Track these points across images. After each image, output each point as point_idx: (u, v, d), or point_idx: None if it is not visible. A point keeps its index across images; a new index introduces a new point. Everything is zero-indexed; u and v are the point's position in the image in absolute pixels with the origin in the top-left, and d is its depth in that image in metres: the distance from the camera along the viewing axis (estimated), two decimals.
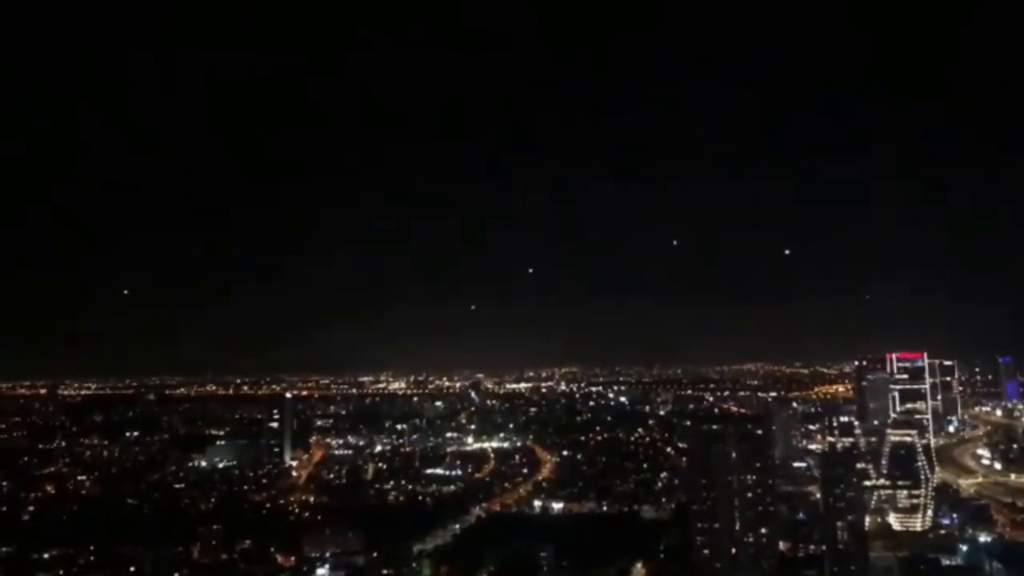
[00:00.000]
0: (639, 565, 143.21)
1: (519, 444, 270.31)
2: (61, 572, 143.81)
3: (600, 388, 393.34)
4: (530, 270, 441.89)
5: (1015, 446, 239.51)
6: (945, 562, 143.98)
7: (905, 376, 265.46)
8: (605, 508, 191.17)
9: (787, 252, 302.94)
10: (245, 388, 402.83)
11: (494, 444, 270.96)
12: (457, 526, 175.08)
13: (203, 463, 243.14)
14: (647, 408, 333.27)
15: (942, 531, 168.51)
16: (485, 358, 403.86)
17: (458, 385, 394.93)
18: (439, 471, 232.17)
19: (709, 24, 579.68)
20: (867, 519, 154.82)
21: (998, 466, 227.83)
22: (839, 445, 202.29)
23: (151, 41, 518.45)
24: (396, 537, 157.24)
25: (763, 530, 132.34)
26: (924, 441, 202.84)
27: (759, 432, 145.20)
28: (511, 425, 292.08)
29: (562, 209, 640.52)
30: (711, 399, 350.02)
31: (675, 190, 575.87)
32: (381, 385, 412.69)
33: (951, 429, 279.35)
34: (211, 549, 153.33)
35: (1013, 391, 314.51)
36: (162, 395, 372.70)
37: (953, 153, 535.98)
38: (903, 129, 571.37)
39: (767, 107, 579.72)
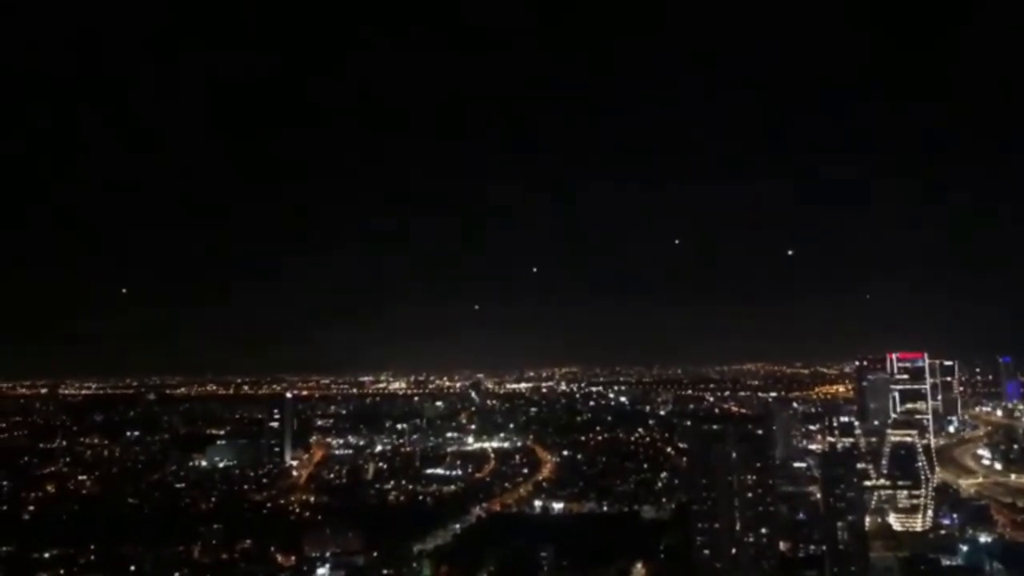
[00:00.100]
0: (639, 565, 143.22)
1: (519, 444, 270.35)
2: (62, 571, 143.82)
3: (600, 388, 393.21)
4: (534, 269, 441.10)
5: (1015, 446, 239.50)
6: (945, 562, 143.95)
7: (905, 376, 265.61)
8: (605, 508, 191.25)
9: (790, 253, 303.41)
10: (245, 388, 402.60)
11: (494, 444, 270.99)
12: (457, 526, 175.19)
13: (203, 463, 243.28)
14: (647, 408, 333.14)
15: (942, 531, 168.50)
16: (485, 358, 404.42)
17: (458, 385, 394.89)
18: (439, 471, 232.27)
19: (709, 24, 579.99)
20: (867, 519, 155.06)
21: (998, 466, 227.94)
22: (839, 445, 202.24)
23: (151, 41, 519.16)
24: (396, 537, 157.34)
25: (763, 530, 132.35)
26: (924, 441, 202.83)
27: (759, 432, 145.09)
28: (511, 425, 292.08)
29: (562, 209, 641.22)
30: (711, 399, 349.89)
31: (675, 190, 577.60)
32: (381, 385, 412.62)
33: (951, 429, 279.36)
34: (211, 549, 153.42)
35: (1013, 391, 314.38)
36: (162, 395, 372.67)
37: (953, 153, 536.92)
38: (903, 129, 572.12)
39: (767, 107, 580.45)
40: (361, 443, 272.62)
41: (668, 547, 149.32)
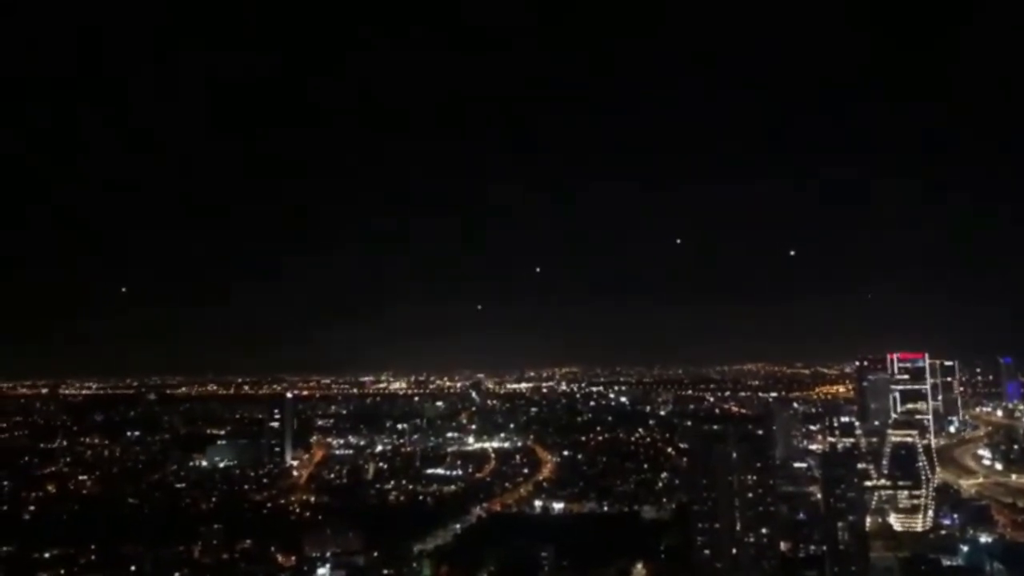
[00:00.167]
0: (639, 565, 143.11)
1: (520, 444, 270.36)
2: (62, 571, 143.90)
3: (601, 388, 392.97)
4: (537, 269, 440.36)
5: (1016, 447, 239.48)
6: (946, 563, 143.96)
7: (906, 376, 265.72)
8: (606, 508, 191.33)
9: (792, 253, 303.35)
10: (246, 388, 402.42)
11: (495, 444, 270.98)
12: (458, 526, 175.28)
13: (204, 463, 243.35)
14: (648, 408, 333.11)
15: (943, 532, 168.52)
16: (486, 358, 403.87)
17: (459, 385, 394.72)
18: (440, 471, 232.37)
19: (709, 24, 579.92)
20: (868, 519, 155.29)
21: (999, 467, 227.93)
22: (840, 445, 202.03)
23: (151, 41, 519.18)
24: (397, 537, 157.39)
25: (764, 530, 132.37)
26: (925, 441, 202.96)
27: (760, 432, 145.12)
28: (512, 425, 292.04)
29: (562, 209, 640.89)
30: (712, 399, 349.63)
31: (675, 190, 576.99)
32: (382, 385, 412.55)
33: (952, 429, 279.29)
34: (212, 549, 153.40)
35: (1014, 391, 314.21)
36: (163, 395, 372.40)
37: (953, 153, 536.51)
38: (903, 129, 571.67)
39: (767, 107, 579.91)
40: (361, 443, 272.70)
41: (668, 547, 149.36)
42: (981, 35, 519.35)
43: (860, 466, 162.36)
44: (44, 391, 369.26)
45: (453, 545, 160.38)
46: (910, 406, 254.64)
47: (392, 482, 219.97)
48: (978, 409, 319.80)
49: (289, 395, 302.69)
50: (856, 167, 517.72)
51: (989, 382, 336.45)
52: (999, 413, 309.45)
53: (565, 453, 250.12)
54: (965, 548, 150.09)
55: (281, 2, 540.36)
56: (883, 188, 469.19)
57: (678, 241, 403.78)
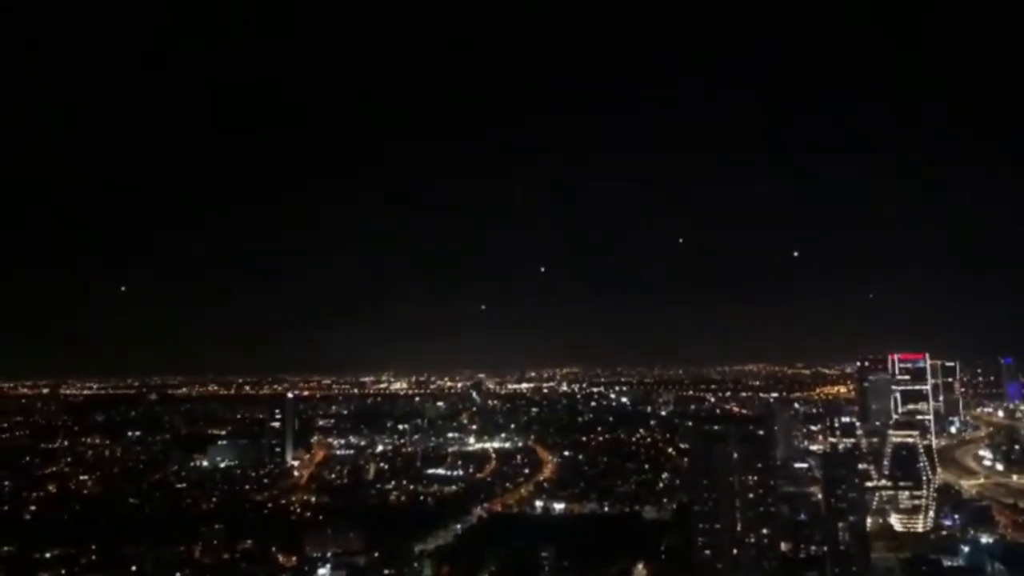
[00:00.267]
0: (640, 566, 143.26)
1: (520, 444, 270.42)
2: (63, 571, 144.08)
3: (602, 388, 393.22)
4: (542, 269, 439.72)
5: (1017, 447, 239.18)
6: (947, 563, 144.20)
7: (907, 377, 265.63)
8: (606, 508, 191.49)
9: (796, 254, 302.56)
10: (247, 388, 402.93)
11: (495, 444, 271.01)
12: (458, 526, 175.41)
13: (205, 463, 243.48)
14: (648, 409, 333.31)
15: (944, 532, 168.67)
16: (486, 358, 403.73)
17: (460, 385, 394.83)
18: (440, 471, 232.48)
19: (709, 24, 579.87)
20: (869, 520, 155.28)
21: (1000, 467, 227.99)
22: (841, 446, 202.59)
23: (151, 40, 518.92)
24: (397, 537, 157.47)
25: (764, 531, 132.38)
26: (926, 442, 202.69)
27: (761, 433, 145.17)
28: (512, 425, 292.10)
29: (562, 209, 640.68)
30: (712, 400, 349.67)
31: (675, 190, 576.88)
32: (383, 385, 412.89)
33: (953, 430, 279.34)
34: (213, 549, 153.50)
35: (1015, 392, 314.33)
36: (164, 395, 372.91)
37: (953, 153, 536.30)
38: (903, 129, 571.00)
39: (767, 107, 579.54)
40: (362, 443, 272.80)
41: (669, 547, 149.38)
42: (981, 35, 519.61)
43: (861, 467, 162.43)
44: (45, 391, 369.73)
45: (454, 545, 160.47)
46: (911, 407, 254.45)
47: (393, 482, 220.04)
48: (979, 410, 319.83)
49: (290, 395, 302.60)
50: (856, 167, 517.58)
51: (990, 382, 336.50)
52: (1000, 414, 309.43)
53: (566, 453, 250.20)
54: (966, 549, 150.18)
55: (281, 2, 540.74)
56: (883, 188, 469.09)
57: (680, 240, 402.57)
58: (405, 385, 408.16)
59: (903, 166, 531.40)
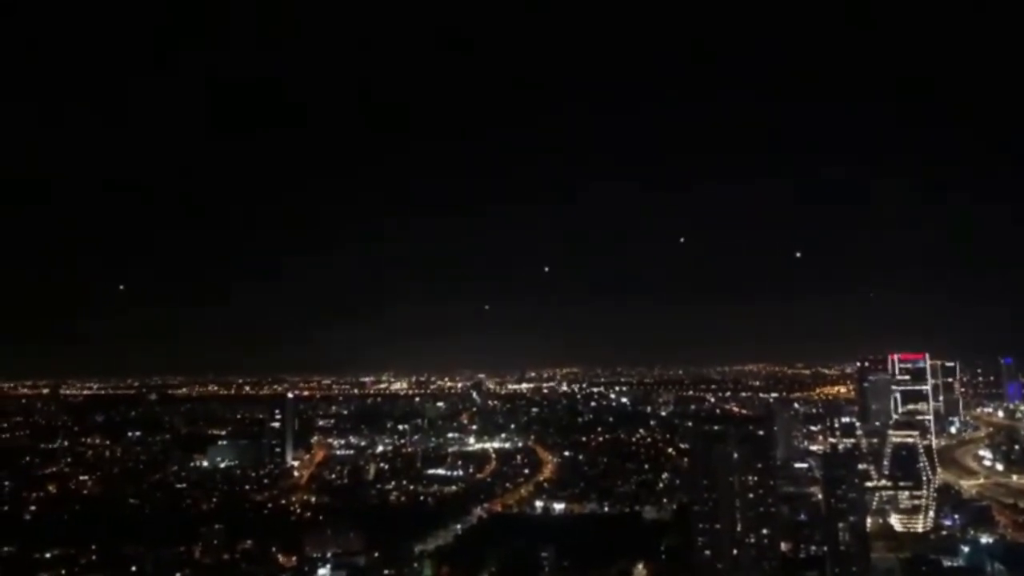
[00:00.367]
0: (640, 566, 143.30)
1: (520, 444, 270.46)
2: (63, 572, 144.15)
3: (602, 389, 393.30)
4: (546, 268, 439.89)
5: (1017, 447, 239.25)
6: (947, 563, 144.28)
7: (907, 377, 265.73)
8: (606, 509, 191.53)
9: (798, 255, 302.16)
10: (247, 388, 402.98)
11: (496, 444, 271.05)
12: (459, 526, 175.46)
13: (205, 463, 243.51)
14: (648, 409, 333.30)
15: (944, 532, 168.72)
16: (486, 358, 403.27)
17: (460, 385, 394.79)
18: (441, 471, 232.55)
19: (709, 23, 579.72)
20: (869, 520, 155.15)
21: (1000, 467, 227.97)
22: (841, 446, 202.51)
23: (151, 40, 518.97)
24: (397, 537, 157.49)
25: (764, 531, 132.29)
26: (926, 442, 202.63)
27: (761, 433, 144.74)
28: (513, 426, 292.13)
29: (562, 209, 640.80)
30: (713, 400, 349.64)
31: (675, 190, 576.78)
32: (383, 385, 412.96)
33: (953, 430, 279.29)
34: (213, 549, 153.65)
35: (1015, 392, 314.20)
36: (164, 395, 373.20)
37: (953, 153, 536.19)
38: (903, 129, 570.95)
39: (767, 107, 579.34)
40: (362, 443, 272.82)
41: (669, 548, 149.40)
42: (982, 35, 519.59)
43: (861, 467, 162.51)
44: (45, 391, 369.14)
45: (454, 545, 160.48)
46: (911, 407, 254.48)
47: (393, 482, 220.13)
48: (979, 410, 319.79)
49: (290, 395, 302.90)
50: (856, 167, 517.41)
51: (990, 383, 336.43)
52: (1000, 414, 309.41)
53: (566, 454, 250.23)
54: (966, 549, 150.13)
55: (281, 2, 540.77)
56: (883, 188, 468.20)
57: (682, 240, 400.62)
58: (405, 385, 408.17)
59: (903, 166, 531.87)
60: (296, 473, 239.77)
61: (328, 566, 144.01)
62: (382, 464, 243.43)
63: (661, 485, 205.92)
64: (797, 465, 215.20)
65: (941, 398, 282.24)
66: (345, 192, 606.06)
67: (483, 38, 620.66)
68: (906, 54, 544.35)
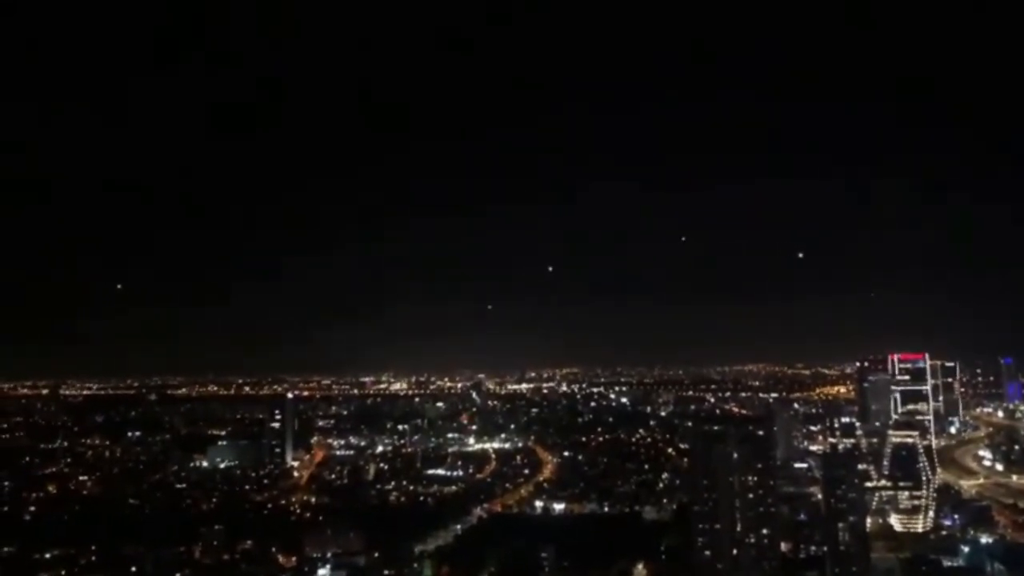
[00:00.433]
0: (640, 566, 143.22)
1: (520, 445, 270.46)
2: (63, 572, 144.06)
3: (601, 389, 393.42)
4: (549, 268, 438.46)
5: (1017, 447, 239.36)
6: (947, 563, 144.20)
7: (907, 377, 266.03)
8: (606, 509, 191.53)
9: (800, 255, 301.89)
10: (246, 388, 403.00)
11: (495, 445, 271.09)
12: (458, 526, 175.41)
13: (204, 463, 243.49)
14: (648, 409, 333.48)
15: (944, 532, 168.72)
16: (486, 358, 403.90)
17: (459, 386, 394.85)
18: (440, 472, 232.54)
19: (709, 23, 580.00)
20: (868, 520, 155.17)
21: (1000, 467, 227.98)
22: (840, 446, 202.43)
23: (151, 40, 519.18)
24: (397, 537, 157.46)
25: (764, 531, 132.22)
26: (925, 442, 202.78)
27: (760, 433, 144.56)
28: (512, 426, 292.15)
29: (562, 209, 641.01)
30: (712, 400, 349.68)
31: (676, 190, 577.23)
32: (382, 386, 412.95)
33: (953, 430, 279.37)
34: (212, 549, 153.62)
35: (1015, 392, 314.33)
36: (163, 395, 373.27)
37: (953, 153, 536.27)
38: (903, 129, 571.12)
39: (767, 107, 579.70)
40: (362, 444, 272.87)
41: (669, 548, 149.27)
42: (982, 35, 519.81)
43: (861, 467, 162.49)
44: (44, 391, 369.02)
45: (454, 546, 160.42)
46: (911, 407, 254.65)
47: (393, 483, 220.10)
48: (979, 410, 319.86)
49: (290, 395, 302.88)
50: (856, 167, 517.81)
51: (990, 383, 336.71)
52: (1000, 414, 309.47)
53: (566, 454, 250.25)
54: (966, 549, 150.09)
55: (281, 2, 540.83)
56: (883, 188, 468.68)
57: (683, 239, 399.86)
58: (405, 385, 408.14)
59: (903, 166, 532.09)
60: (296, 473, 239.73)
61: (328, 566, 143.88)
62: (382, 464, 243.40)
63: (661, 485, 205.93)
64: (797, 465, 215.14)
65: (941, 398, 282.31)
66: (345, 192, 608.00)
67: (483, 38, 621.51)
68: (906, 54, 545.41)
